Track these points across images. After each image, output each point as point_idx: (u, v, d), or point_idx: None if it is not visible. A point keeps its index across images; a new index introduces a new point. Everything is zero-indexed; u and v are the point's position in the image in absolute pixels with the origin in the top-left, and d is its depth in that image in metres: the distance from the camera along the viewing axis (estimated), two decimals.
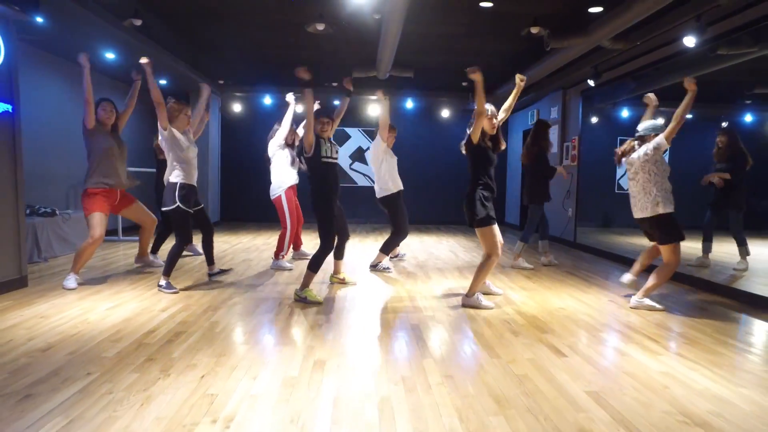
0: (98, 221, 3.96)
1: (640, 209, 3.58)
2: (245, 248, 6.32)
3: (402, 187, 4.90)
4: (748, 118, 8.59)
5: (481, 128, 3.45)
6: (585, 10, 4.07)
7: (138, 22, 4.62)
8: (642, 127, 3.65)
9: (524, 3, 4.68)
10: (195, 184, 3.96)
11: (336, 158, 3.76)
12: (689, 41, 4.13)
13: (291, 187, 4.97)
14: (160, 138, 3.84)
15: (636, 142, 3.68)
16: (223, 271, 4.47)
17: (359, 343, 2.75)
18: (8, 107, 3.59)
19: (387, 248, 4.94)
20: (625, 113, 7.85)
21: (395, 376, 2.29)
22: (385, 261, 4.98)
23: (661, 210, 3.48)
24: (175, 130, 3.83)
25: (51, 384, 2.13)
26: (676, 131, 3.47)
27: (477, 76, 3.28)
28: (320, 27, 4.84)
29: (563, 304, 3.75)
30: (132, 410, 1.90)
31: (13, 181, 3.71)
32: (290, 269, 4.88)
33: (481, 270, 3.53)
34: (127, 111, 4.31)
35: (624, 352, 2.70)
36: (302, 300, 3.60)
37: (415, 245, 6.95)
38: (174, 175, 3.79)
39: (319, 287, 4.11)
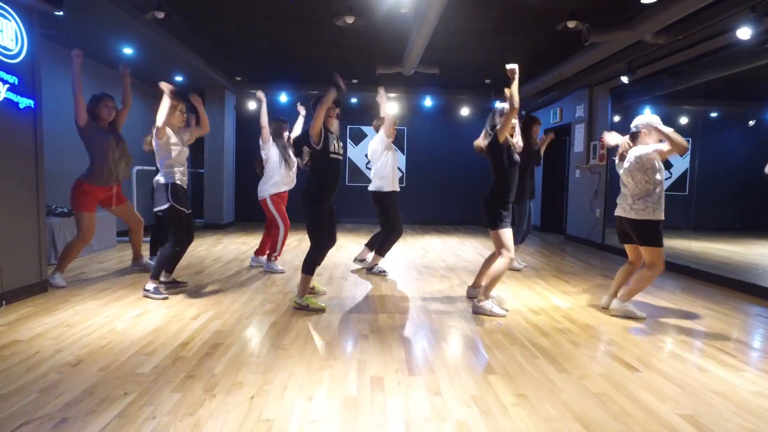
0: (90, 220, 3.96)
1: (624, 209, 3.34)
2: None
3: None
4: None
5: (509, 126, 3.28)
6: (636, 2, 3.84)
7: (161, 15, 4.42)
8: (637, 122, 3.32)
9: None
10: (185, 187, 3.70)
11: (341, 155, 3.47)
12: (743, 33, 3.90)
13: (278, 193, 4.67)
14: (152, 139, 3.59)
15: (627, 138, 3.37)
16: (177, 284, 3.96)
17: (411, 356, 2.54)
18: (30, 102, 3.39)
19: (383, 249, 4.68)
20: (646, 112, 7.63)
21: (464, 396, 2.08)
22: (382, 263, 4.78)
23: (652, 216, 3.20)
24: (168, 129, 3.57)
25: (86, 406, 1.93)
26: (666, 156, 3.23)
27: (515, 72, 3.21)
28: (350, 20, 4.63)
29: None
30: None
31: (34, 179, 3.52)
32: (282, 272, 4.65)
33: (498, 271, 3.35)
34: (125, 109, 4.18)
35: (702, 367, 2.48)
36: (303, 308, 3.34)
37: (439, 247, 6.74)
38: (166, 176, 3.54)
39: (338, 284, 3.90)
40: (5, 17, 3.14)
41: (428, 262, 5.52)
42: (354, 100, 9.18)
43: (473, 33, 5.69)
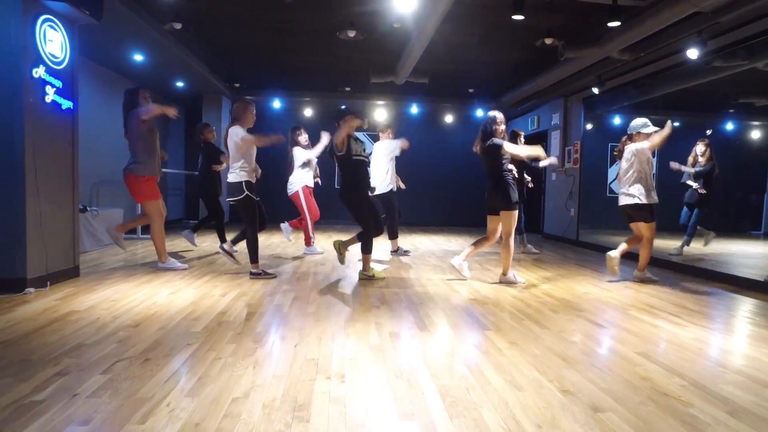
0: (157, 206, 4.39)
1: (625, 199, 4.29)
2: (266, 245, 6.50)
3: None
4: (729, 126, 9.24)
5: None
6: (604, 24, 4.47)
7: (178, 26, 4.83)
8: (631, 126, 4.36)
9: (541, 15, 5.08)
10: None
11: (365, 156, 4.26)
12: (692, 53, 4.57)
13: (306, 186, 5.64)
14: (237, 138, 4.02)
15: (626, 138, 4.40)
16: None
17: (420, 320, 3.02)
18: (71, 104, 3.77)
19: (393, 233, 5.75)
20: (616, 121, 8.38)
21: (466, 343, 2.58)
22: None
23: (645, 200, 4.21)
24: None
25: (161, 351, 2.34)
26: (656, 148, 4.28)
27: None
28: (351, 34, 5.13)
29: (585, 290, 4.10)
30: (249, 371, 2.13)
31: (71, 174, 3.88)
32: (321, 253, 5.60)
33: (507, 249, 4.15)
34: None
35: (656, 325, 3.04)
36: (369, 278, 4.22)
37: (427, 244, 7.25)
38: (241, 175, 4.06)
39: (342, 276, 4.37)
40: (54, 29, 3.53)
41: (419, 255, 6.03)
42: (343, 107, 9.69)
43: (459, 46, 6.27)
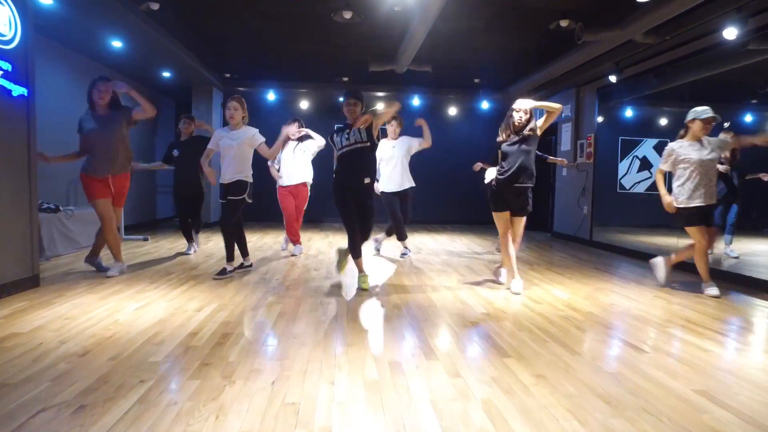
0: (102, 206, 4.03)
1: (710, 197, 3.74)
2: (257, 247, 6.04)
3: None
4: (748, 118, 8.73)
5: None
6: (627, 2, 3.97)
7: (155, 6, 4.35)
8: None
9: None
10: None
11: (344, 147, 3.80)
12: (730, 33, 4.07)
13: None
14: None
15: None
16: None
17: (424, 343, 2.55)
18: (24, 90, 3.28)
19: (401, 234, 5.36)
20: (627, 113, 7.88)
21: (484, 377, 2.10)
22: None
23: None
24: None
25: (103, 393, 1.87)
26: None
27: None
28: (347, 15, 4.64)
29: (610, 300, 3.62)
30: (209, 423, 1.67)
31: (27, 170, 3.40)
32: (294, 255, 5.32)
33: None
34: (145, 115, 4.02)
35: (704, 348, 2.56)
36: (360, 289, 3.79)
37: (431, 244, 6.78)
38: (250, 176, 4.18)
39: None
40: None
41: (423, 258, 5.55)
42: (343, 99, 9.18)
43: (465, 32, 5.77)
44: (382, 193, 5.18)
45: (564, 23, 4.92)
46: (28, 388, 1.90)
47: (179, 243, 6.03)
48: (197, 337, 2.56)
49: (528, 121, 3.61)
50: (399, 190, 5.20)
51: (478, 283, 4.12)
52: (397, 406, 1.81)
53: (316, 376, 2.08)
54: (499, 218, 3.78)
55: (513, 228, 3.82)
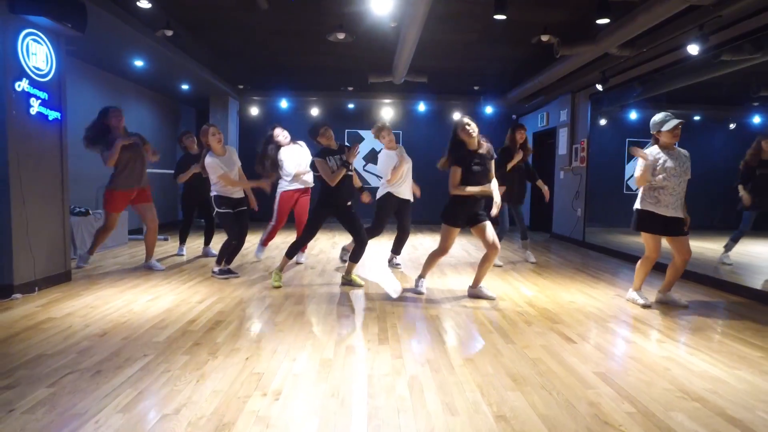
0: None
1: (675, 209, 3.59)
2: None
3: None
4: (756, 119, 8.72)
5: None
6: (593, 21, 4.29)
7: (169, 33, 4.91)
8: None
9: (535, 12, 4.90)
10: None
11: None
12: (692, 49, 4.32)
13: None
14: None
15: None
16: (231, 272, 4.54)
17: (384, 332, 2.99)
18: (58, 115, 3.89)
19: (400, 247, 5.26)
20: (632, 116, 8.05)
21: (421, 359, 2.53)
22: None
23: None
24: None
25: (115, 363, 2.40)
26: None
27: None
28: (341, 36, 5.09)
29: (572, 298, 3.96)
30: (190, 385, 2.16)
31: (60, 181, 4.01)
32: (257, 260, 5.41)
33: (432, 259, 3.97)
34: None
35: (630, 340, 2.92)
36: (348, 283, 4.24)
37: (429, 244, 7.18)
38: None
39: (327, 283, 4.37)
40: (38, 42, 3.64)
41: (416, 257, 5.97)
42: (351, 106, 9.66)
43: (459, 44, 6.14)
44: (387, 194, 4.88)
45: (545, 38, 5.24)
46: (60, 357, 2.44)
47: (195, 243, 6.63)
48: (195, 323, 3.08)
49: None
50: (407, 198, 4.98)
51: (457, 283, 4.53)
52: (339, 378, 2.27)
53: (283, 355, 2.56)
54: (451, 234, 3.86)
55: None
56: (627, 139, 8.40)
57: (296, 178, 5.05)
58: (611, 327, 3.19)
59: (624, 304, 3.79)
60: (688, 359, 2.59)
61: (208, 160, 4.19)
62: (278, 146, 5.00)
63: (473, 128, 3.69)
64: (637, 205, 3.73)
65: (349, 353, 2.60)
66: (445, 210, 3.82)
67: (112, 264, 5.08)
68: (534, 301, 3.83)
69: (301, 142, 5.17)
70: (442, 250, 3.84)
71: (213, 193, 4.34)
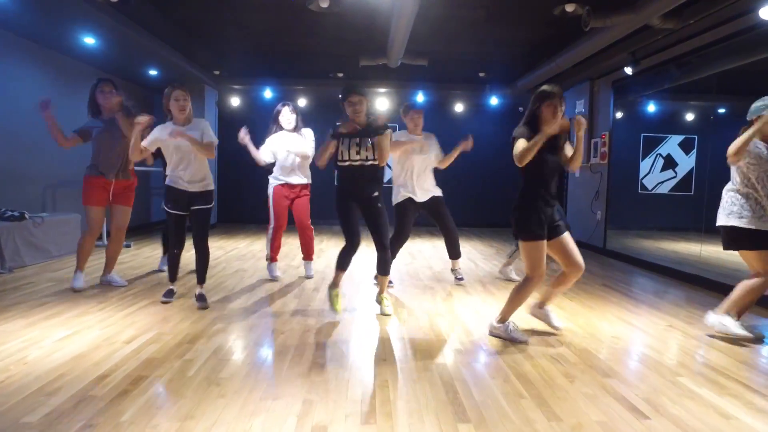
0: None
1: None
2: (241, 255, 5.69)
3: None
4: None
5: None
6: None
7: None
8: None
9: None
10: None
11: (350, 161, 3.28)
12: (766, 12, 3.44)
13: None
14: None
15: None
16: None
17: (369, 396, 2.10)
18: None
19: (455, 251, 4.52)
20: (650, 108, 7.18)
21: None
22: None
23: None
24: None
25: None
26: None
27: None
28: (324, 4, 4.19)
29: (614, 331, 3.09)
30: None
31: None
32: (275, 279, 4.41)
33: (519, 293, 2.87)
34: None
35: (724, 412, 2.03)
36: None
37: (428, 252, 6.30)
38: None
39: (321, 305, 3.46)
40: None
41: (413, 270, 5.09)
42: (340, 96, 8.75)
43: (464, 22, 5.24)
44: (409, 200, 4.15)
45: (570, 8, 4.36)
46: None
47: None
48: (104, 382, 2.18)
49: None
50: (423, 200, 4.25)
51: (466, 308, 3.64)
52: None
53: None
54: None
55: None
56: (642, 134, 7.56)
57: (284, 170, 4.27)
58: (685, 384, 2.31)
59: (684, 342, 2.91)
60: None
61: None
62: (280, 127, 4.23)
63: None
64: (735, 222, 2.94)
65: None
66: (518, 221, 2.77)
67: (45, 281, 4.15)
68: (568, 337, 2.95)
69: (306, 130, 4.28)
70: (535, 277, 2.76)
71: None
